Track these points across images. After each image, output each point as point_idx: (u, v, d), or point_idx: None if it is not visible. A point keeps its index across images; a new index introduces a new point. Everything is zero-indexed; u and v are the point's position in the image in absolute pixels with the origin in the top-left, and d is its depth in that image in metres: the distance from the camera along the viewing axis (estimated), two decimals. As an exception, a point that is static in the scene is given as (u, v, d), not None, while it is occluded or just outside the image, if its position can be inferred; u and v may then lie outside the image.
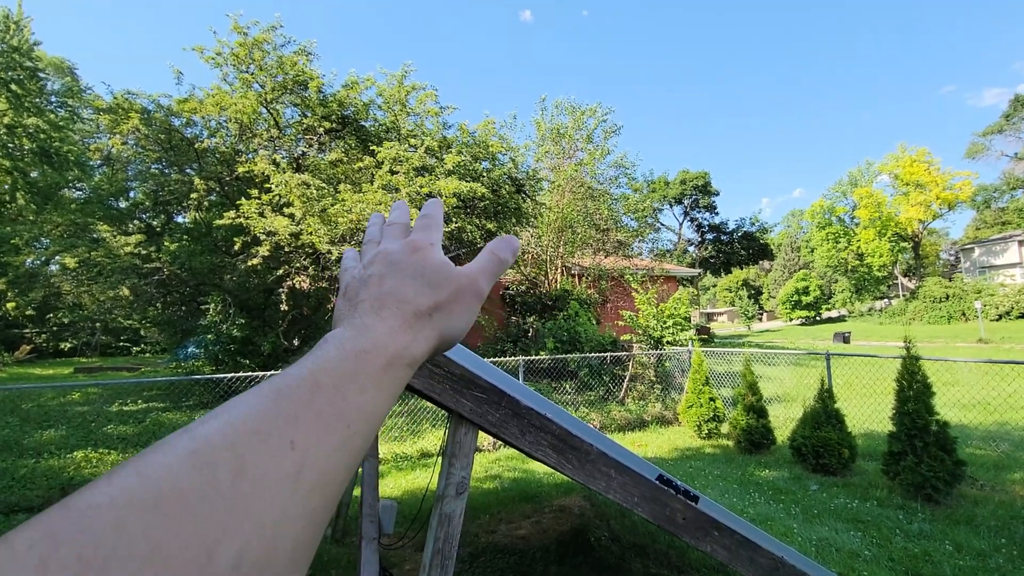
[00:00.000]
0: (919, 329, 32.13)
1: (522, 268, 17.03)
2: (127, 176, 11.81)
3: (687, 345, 10.10)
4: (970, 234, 53.72)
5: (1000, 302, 32.96)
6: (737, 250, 48.02)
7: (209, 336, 10.35)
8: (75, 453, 6.83)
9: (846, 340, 27.67)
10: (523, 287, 17.24)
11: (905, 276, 47.74)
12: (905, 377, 4.94)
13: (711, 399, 7.71)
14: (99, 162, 13.74)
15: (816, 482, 5.45)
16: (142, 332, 21.90)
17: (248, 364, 10.27)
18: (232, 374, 7.67)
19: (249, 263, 8.12)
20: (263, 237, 7.71)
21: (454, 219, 9.53)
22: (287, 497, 0.24)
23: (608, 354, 9.61)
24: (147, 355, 26.23)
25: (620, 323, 11.33)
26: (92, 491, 0.21)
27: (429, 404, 9.00)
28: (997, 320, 32.48)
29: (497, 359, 8.77)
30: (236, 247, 8.12)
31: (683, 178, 50.83)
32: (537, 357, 9.51)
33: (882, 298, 47.81)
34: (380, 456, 6.99)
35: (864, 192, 44.39)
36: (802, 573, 2.41)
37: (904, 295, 43.60)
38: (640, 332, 10.71)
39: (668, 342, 10.31)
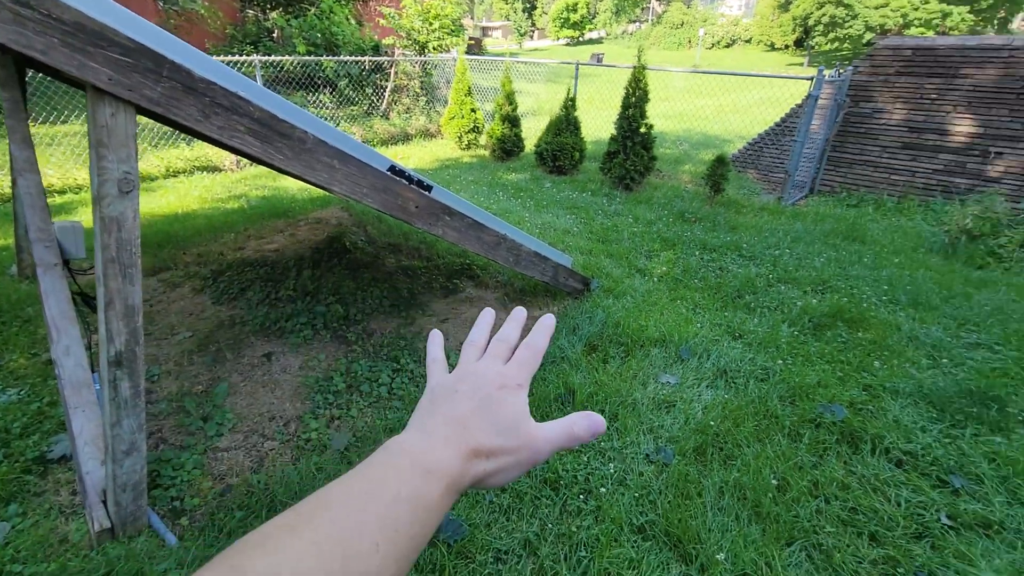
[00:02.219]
0: (655, 54, 36.19)
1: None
2: None
3: (451, 52, 9.49)
4: (714, -40, 57.62)
5: (716, 31, 38.34)
6: (517, -50, 43.51)
7: None
8: None
9: (600, 61, 29.83)
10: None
11: (657, 1, 50.81)
12: (631, 85, 5.52)
13: (472, 110, 7.75)
14: None
15: (550, 181, 6.31)
16: None
17: None
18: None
19: None
20: None
21: None
22: None
23: (368, 59, 8.51)
24: None
25: (382, 21, 9.84)
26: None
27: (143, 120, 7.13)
28: (710, 48, 38.26)
29: (227, 59, 7.01)
30: None
31: None
32: (280, 58, 7.91)
33: (635, 22, 51.05)
34: (62, 184, 5.57)
35: None
36: (519, 244, 2.82)
37: (652, 20, 47.20)
38: (404, 35, 9.56)
39: (435, 48, 9.51)
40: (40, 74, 6.17)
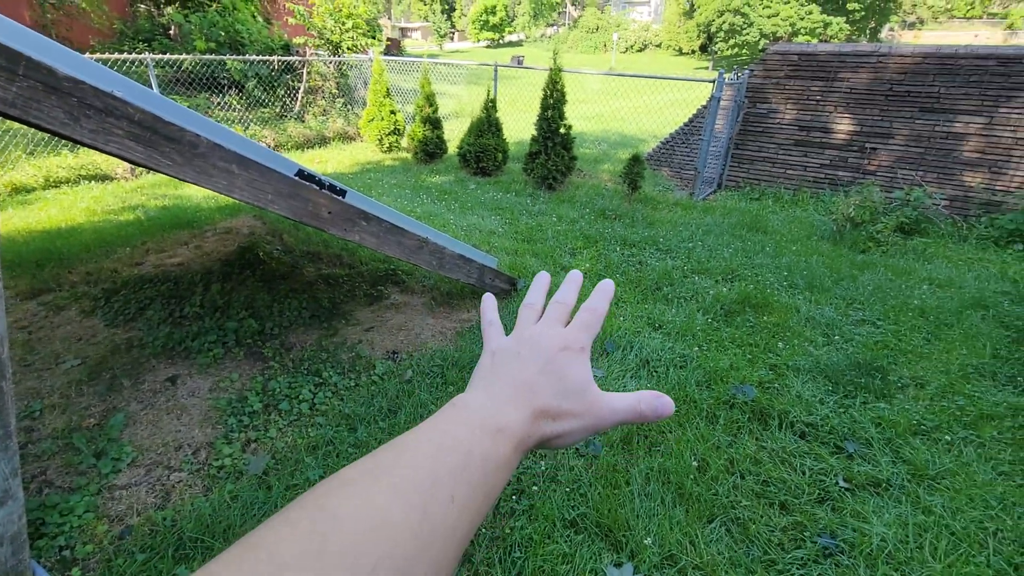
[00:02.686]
0: (572, 58, 37.25)
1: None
2: None
3: (367, 53, 9.24)
4: (623, -32, 60.19)
5: (629, 36, 40.07)
6: (432, -50, 43.14)
7: None
8: None
9: (520, 63, 30.22)
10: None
11: (573, 5, 52.35)
12: (549, 87, 5.63)
13: (392, 112, 7.58)
14: None
15: (475, 183, 6.29)
16: None
17: None
18: None
19: None
20: None
21: None
22: (446, 545, 0.26)
23: (276, 58, 8.09)
24: None
25: (291, 20, 9.38)
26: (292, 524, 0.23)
27: (14, 125, 6.34)
28: (624, 52, 39.94)
29: (114, 57, 6.39)
30: None
31: None
32: (177, 56, 7.34)
33: (552, 25, 52.29)
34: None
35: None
36: (442, 247, 2.78)
37: (568, 24, 48.53)
38: (316, 35, 9.17)
39: (349, 48, 9.21)
40: None
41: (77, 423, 2.25)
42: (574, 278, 0.47)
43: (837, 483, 2.05)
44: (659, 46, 40.93)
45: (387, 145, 7.70)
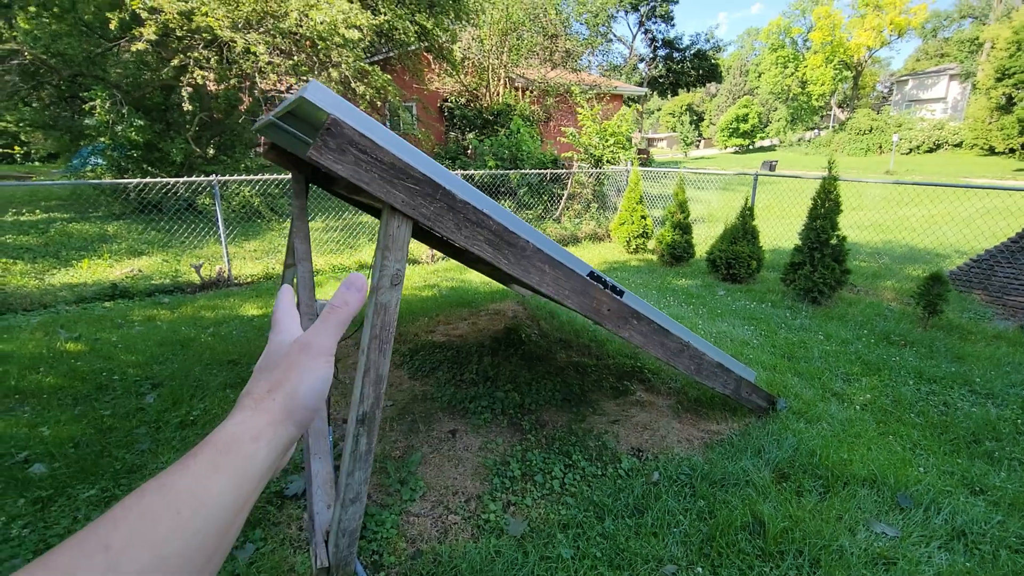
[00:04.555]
0: (838, 161, 33.90)
1: (461, 77, 15.54)
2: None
3: (626, 165, 10.12)
4: (909, 66, 53.96)
5: (915, 136, 34.84)
6: (687, 70, 45.93)
7: (105, 140, 9.09)
8: (-27, 263, 6.31)
9: (772, 168, 28.88)
10: (463, 99, 15.98)
11: (840, 107, 48.56)
12: (820, 195, 5.27)
13: (642, 217, 8.04)
14: None
15: (724, 289, 6.10)
16: (22, 136, 18.91)
17: (156, 172, 9.33)
18: (141, 179, 6.96)
19: (133, 47, 6.75)
20: (145, 15, 6.28)
21: (383, 9, 8.14)
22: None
23: (548, 171, 9.50)
24: (35, 163, 23.17)
25: (563, 139, 11.00)
26: None
27: (367, 219, 8.80)
28: (907, 154, 34.71)
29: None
30: (112, 25, 6.63)
31: (643, -21, 45.38)
32: (475, 172, 9.25)
33: (813, 128, 49.06)
34: (318, 267, 6.98)
35: (823, 11, 42.18)
36: (702, 353, 2.77)
37: (834, 126, 44.89)
38: (581, 150, 10.52)
39: (608, 161, 10.27)
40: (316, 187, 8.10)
41: (388, 452, 2.84)
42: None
43: None
44: (958, 145, 34.38)
45: (634, 247, 8.11)
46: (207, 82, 7.76)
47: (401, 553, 2.14)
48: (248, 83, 8.28)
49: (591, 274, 2.32)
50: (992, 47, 34.41)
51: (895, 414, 3.20)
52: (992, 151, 31.64)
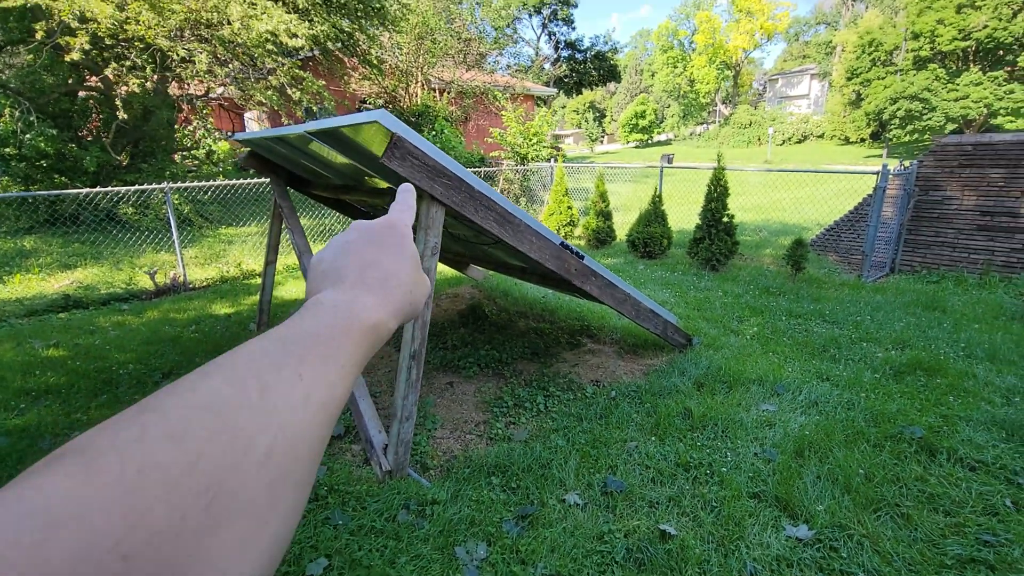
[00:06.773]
0: (725, 152, 37.79)
1: (380, 80, 15.83)
2: None
3: (549, 162, 11.15)
4: (778, 66, 60.71)
5: (786, 129, 39.60)
6: (589, 70, 48.63)
7: (8, 150, 8.55)
8: None
9: (670, 161, 31.66)
10: (381, 100, 16.26)
11: (724, 104, 53.70)
12: (712, 183, 6.53)
13: (568, 207, 9.06)
14: None
15: (643, 264, 7.24)
16: None
17: (67, 183, 8.92)
18: (59, 191, 6.85)
19: (67, 57, 6.58)
20: (75, 24, 6.18)
21: (317, 19, 8.44)
22: (300, 414, 0.29)
23: (482, 170, 10.26)
24: None
25: (489, 139, 11.81)
26: (159, 399, 0.26)
27: (335, 221, 9.05)
28: (781, 144, 39.36)
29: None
30: (38, 36, 6.42)
31: (543, -18, 47.28)
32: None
33: (702, 123, 53.88)
34: (279, 268, 7.24)
35: (704, 16, 46.50)
36: (639, 301, 3.71)
37: (719, 121, 49.71)
38: (508, 149, 11.40)
39: (532, 158, 11.23)
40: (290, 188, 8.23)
41: (403, 401, 3.50)
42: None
43: (1004, 503, 2.37)
44: (821, 136, 39.70)
45: (563, 234, 9.12)
46: (124, 85, 7.60)
47: (439, 458, 2.85)
48: (168, 86, 8.18)
49: (562, 244, 3.15)
50: (843, 50, 39.91)
51: (773, 339, 4.37)
52: (848, 141, 36.85)
